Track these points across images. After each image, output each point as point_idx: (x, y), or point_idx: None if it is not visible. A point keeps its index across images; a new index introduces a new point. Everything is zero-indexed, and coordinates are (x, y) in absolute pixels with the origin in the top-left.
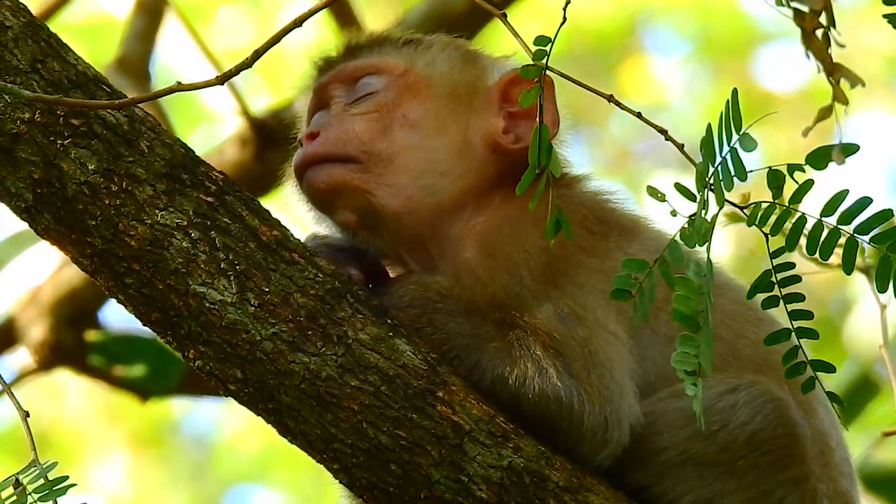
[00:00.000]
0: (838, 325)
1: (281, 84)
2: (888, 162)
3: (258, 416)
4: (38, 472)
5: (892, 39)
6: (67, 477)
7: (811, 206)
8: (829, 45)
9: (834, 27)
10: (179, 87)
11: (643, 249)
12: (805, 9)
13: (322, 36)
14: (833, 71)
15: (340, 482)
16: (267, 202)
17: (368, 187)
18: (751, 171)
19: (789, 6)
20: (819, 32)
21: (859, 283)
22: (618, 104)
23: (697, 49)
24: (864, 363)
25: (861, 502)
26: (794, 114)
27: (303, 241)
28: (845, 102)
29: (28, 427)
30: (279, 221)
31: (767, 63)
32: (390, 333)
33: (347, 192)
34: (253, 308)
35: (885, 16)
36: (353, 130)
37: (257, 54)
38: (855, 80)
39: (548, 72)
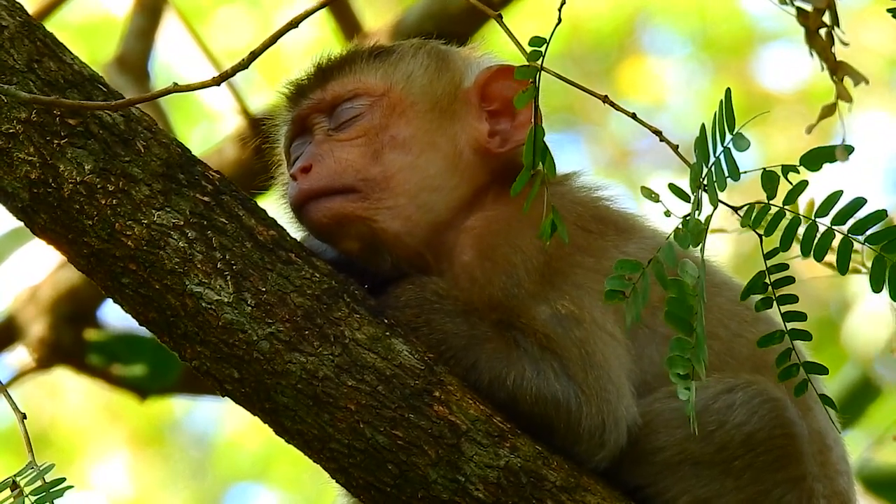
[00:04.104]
0: (838, 325)
1: (280, 83)
2: (887, 161)
3: (255, 416)
4: (35, 473)
5: (892, 39)
6: (65, 479)
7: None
8: (833, 43)
9: (837, 25)
10: (177, 88)
11: (640, 248)
12: (809, 7)
13: (321, 35)
14: (837, 69)
15: (337, 482)
16: (266, 201)
17: (369, 214)
18: (745, 172)
19: (793, 5)
20: (822, 31)
21: (859, 285)
22: (613, 105)
23: (697, 49)
24: (865, 365)
25: (859, 501)
26: (794, 113)
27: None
28: (849, 100)
29: (25, 429)
30: (276, 221)
31: (767, 63)
32: (387, 333)
33: (350, 222)
34: (250, 308)
35: (889, 10)
36: (346, 160)
37: (254, 55)
38: (859, 78)
39: (543, 73)
